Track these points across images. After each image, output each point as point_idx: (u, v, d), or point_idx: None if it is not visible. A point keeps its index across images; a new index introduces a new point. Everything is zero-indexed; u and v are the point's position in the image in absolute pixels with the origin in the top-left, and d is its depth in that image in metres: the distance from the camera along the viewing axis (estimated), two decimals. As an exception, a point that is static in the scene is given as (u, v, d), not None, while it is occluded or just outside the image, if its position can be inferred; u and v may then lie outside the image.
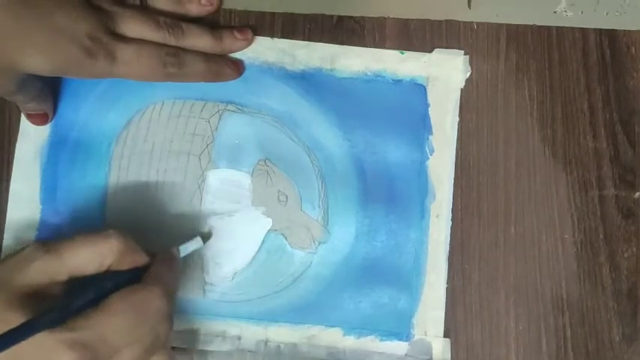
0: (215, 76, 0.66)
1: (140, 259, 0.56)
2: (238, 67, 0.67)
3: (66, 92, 0.66)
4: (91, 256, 0.54)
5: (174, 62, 0.62)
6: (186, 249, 0.61)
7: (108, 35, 0.59)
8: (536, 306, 0.65)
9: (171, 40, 0.63)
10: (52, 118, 0.66)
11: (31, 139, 0.66)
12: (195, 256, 0.64)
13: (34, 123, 0.65)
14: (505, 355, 0.65)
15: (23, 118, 0.65)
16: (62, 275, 0.53)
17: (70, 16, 0.57)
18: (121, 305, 0.51)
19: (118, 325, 0.50)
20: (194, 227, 0.65)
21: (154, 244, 0.61)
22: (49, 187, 0.65)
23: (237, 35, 0.66)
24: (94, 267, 0.54)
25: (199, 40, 0.64)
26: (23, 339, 0.46)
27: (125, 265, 0.55)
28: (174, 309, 0.56)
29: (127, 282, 0.54)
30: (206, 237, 0.64)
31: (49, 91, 0.64)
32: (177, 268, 0.60)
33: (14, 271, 0.52)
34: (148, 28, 0.62)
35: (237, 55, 0.67)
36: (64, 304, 0.50)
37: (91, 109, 0.66)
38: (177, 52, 0.63)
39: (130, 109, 0.66)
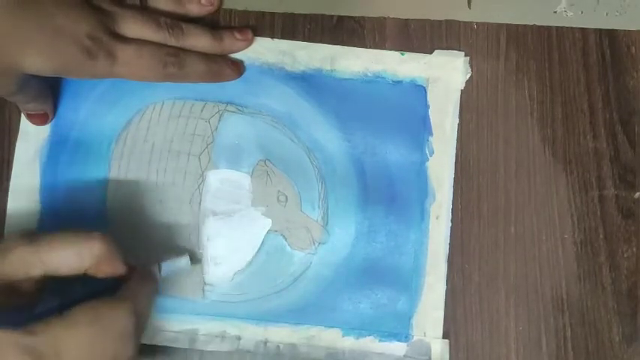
0: (215, 77, 0.66)
1: (118, 269, 0.55)
2: (238, 67, 0.67)
3: (66, 92, 0.66)
4: (69, 255, 0.53)
5: (174, 62, 0.62)
6: (169, 267, 0.60)
7: (108, 35, 0.59)
8: (536, 306, 0.65)
9: (172, 41, 0.63)
10: (52, 119, 0.66)
11: (31, 139, 0.65)
12: (195, 258, 0.65)
13: (34, 123, 0.65)
14: (505, 355, 0.65)
15: (23, 117, 0.65)
16: (37, 270, 0.52)
17: (70, 17, 0.56)
18: (84, 318, 0.49)
19: (75, 338, 0.48)
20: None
21: (154, 244, 0.62)
22: (49, 187, 0.65)
23: (238, 36, 0.66)
24: (70, 267, 0.53)
25: (199, 41, 0.64)
26: None
27: (103, 272, 0.54)
28: (141, 331, 0.54)
29: (100, 292, 0.52)
30: (195, 260, 0.63)
31: (49, 92, 0.64)
32: (154, 288, 0.58)
33: None
34: (148, 29, 0.62)
35: (237, 55, 0.67)
36: (29, 306, 0.49)
37: (91, 109, 0.66)
38: (178, 52, 0.63)
39: (130, 109, 0.66)
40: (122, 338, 0.51)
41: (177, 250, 0.64)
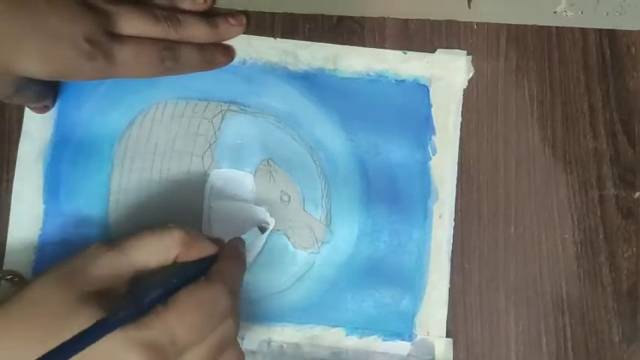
0: (209, 65, 0.66)
1: (207, 248, 0.56)
2: (230, 52, 0.67)
3: (69, 91, 0.66)
4: (155, 249, 0.54)
5: (170, 56, 0.62)
6: (247, 238, 0.61)
7: (105, 36, 0.58)
8: (536, 306, 0.65)
9: (171, 33, 0.62)
10: (52, 107, 0.66)
11: (34, 139, 0.65)
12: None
13: (34, 112, 0.65)
14: (505, 355, 0.65)
15: (26, 118, 0.65)
16: (128, 270, 0.53)
17: (65, 18, 0.55)
18: (189, 303, 0.50)
19: (186, 324, 0.49)
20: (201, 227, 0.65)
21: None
22: (52, 187, 0.65)
23: (232, 21, 0.66)
24: (158, 260, 0.54)
25: (196, 30, 0.64)
26: (98, 338, 0.45)
27: (192, 255, 0.55)
28: (239, 306, 0.55)
29: (194, 275, 0.53)
30: (263, 229, 0.64)
31: (49, 91, 0.64)
32: (243, 263, 0.59)
33: (81, 269, 0.52)
34: (146, 24, 0.61)
35: (240, 52, 0.67)
36: (136, 301, 0.49)
37: (94, 108, 0.66)
38: (172, 45, 0.62)
39: (133, 109, 0.66)
40: (225, 317, 0.52)
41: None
